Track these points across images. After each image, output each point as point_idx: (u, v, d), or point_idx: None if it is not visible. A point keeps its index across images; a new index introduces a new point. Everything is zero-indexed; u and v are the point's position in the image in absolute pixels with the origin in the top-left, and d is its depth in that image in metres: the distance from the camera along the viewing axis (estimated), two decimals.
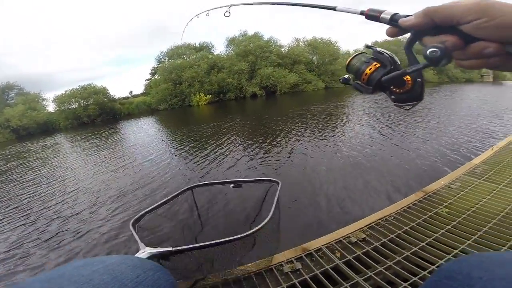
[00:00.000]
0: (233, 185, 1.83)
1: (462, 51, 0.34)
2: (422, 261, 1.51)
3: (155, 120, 19.20)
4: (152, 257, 1.07)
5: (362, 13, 0.46)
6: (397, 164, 4.78)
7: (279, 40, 30.95)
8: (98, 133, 15.32)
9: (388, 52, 0.47)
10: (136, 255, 1.04)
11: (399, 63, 0.46)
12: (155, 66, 31.75)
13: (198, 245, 1.14)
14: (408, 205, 2.12)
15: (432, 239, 1.67)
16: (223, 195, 3.62)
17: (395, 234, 1.76)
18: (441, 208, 2.00)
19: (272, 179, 1.74)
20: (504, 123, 7.53)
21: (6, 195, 5.89)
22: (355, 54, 0.52)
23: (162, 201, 1.56)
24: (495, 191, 2.28)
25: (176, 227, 2.03)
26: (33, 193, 5.72)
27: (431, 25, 0.35)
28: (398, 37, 0.44)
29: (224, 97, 26.48)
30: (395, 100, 0.46)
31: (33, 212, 4.60)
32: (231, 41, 30.83)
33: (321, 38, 31.20)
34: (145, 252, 1.06)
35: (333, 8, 0.54)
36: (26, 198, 5.43)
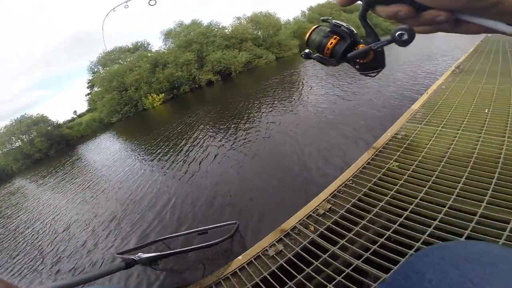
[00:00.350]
0: (198, 233, 2.14)
1: (415, 19, 0.36)
2: (385, 221, 1.73)
3: (113, 135, 17.91)
4: (144, 260, 1.28)
5: None
6: (362, 112, 5.32)
7: (220, 22, 29.93)
8: (60, 165, 14.11)
9: (345, 24, 0.49)
10: (131, 257, 1.27)
11: (356, 32, 0.48)
12: (91, 78, 29.02)
13: (179, 250, 1.48)
14: (362, 165, 2.34)
15: (389, 197, 1.90)
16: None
17: (356, 198, 1.97)
18: (392, 163, 2.26)
19: (230, 222, 2.07)
20: (439, 63, 8.47)
21: None
22: (312, 28, 0.52)
23: (138, 245, 1.78)
24: (435, 134, 2.59)
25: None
26: (24, 240, 5.35)
27: None
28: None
29: (178, 92, 25.36)
30: (360, 69, 0.48)
31: (37, 257, 4.38)
32: (168, 34, 29.02)
33: (261, 12, 30.94)
34: (138, 255, 1.31)
35: None
36: (22, 247, 5.09)
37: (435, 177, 1.96)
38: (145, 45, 30.04)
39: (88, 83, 30.07)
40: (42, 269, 3.96)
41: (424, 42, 17.47)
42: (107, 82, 24.54)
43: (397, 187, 1.96)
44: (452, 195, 1.74)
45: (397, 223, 1.66)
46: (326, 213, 1.92)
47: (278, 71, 17.29)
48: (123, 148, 11.42)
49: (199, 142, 7.09)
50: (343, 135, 4.48)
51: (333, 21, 0.49)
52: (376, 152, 2.50)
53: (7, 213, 8.42)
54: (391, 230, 1.62)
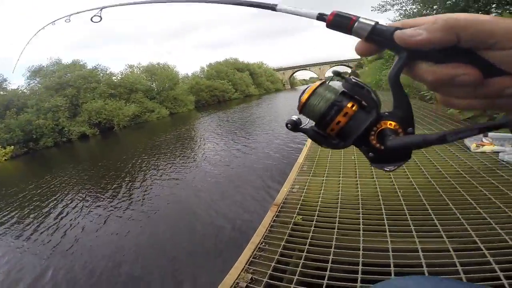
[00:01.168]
0: None
1: (475, 87, 0.25)
2: (312, 279, 1.64)
3: None
4: None
5: (321, 17, 0.31)
6: (261, 166, 5.71)
7: (108, 68, 27.47)
8: None
9: (368, 85, 0.32)
10: None
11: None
12: None
13: None
14: (270, 224, 2.29)
15: (306, 253, 1.86)
16: None
17: (274, 261, 1.83)
18: (296, 216, 2.32)
19: None
20: None
21: None
22: (314, 87, 0.34)
23: None
24: (323, 186, 2.93)
25: None
26: None
27: (449, 44, 0.24)
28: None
29: (37, 146, 19.74)
30: (374, 160, 0.33)
31: None
32: (36, 72, 23.82)
33: (158, 63, 31.13)
34: None
35: (272, 8, 0.37)
36: None
37: (339, 223, 2.13)
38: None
39: None
40: None
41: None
42: None
43: (309, 240, 1.98)
44: (360, 237, 1.90)
45: (326, 278, 1.59)
46: (249, 285, 1.67)
47: (174, 127, 16.90)
48: None
49: (76, 206, 5.63)
50: (245, 192, 4.60)
51: (353, 78, 0.33)
52: (279, 209, 2.54)
53: None
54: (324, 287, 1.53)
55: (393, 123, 0.30)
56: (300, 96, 0.35)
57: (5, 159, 17.73)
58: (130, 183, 6.54)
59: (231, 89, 39.18)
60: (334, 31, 0.30)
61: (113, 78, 26.58)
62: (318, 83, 0.35)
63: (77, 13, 0.90)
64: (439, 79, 0.25)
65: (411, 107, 0.30)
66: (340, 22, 0.30)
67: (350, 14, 0.29)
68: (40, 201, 6.55)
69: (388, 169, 0.34)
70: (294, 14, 0.35)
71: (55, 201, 6.24)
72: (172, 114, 27.63)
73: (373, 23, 0.28)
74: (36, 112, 20.15)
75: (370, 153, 0.33)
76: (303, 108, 0.35)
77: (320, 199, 2.59)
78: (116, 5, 0.77)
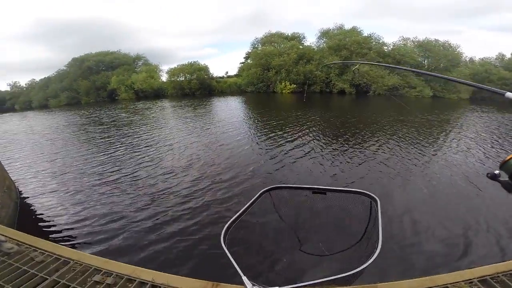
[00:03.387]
0: (314, 191, 1.61)
1: None
2: None
3: (242, 100, 19.48)
4: None
5: None
6: None
7: (382, 37, 26.09)
8: (199, 104, 16.95)
9: None
10: None
11: None
12: (249, 51, 31.76)
13: (305, 283, 1.01)
14: None
15: None
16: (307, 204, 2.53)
17: None
18: None
19: (368, 193, 1.46)
20: None
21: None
22: None
23: (243, 209, 1.46)
24: None
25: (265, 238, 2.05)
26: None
27: None
28: None
29: (308, 89, 24.56)
30: None
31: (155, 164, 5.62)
32: (324, 34, 27.79)
33: (436, 39, 24.76)
34: None
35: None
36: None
37: None
38: (301, 38, 30.05)
39: (246, 54, 33.42)
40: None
41: None
42: (258, 59, 26.51)
43: None
44: None
45: None
46: None
47: (433, 110, 13.22)
48: (244, 114, 12.16)
49: (304, 139, 6.84)
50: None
51: None
52: None
53: (148, 122, 10.71)
54: None
55: None
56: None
57: (288, 92, 24.00)
58: (362, 143, 6.43)
59: None
60: None
61: (384, 48, 25.12)
62: None
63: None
64: None
65: None
66: None
67: None
68: (292, 125, 8.16)
69: None
70: None
71: (299, 130, 7.68)
72: (436, 97, 21.84)
73: None
74: (317, 65, 24.16)
75: None
76: (505, 163, 0.48)
77: None
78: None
